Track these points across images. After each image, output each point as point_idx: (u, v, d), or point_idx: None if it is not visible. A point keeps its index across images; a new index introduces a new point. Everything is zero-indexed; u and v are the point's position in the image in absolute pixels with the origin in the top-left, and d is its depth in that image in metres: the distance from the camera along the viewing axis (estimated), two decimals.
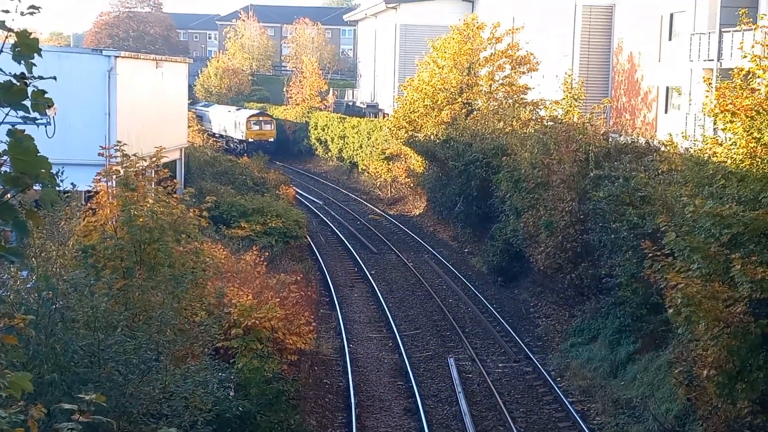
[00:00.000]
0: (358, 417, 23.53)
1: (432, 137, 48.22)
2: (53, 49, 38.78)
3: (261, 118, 79.86)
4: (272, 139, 78.20)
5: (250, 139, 76.53)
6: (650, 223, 23.71)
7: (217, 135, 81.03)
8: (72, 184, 17.92)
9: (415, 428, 23.16)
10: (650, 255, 19.16)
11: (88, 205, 20.49)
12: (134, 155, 20.27)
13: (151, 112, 37.08)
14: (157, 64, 39.06)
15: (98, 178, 20.57)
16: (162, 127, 37.90)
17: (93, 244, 17.57)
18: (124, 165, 19.82)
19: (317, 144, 78.17)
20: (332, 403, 24.97)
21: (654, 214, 23.26)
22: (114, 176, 19.86)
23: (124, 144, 20.86)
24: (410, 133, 52.25)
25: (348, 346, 29.32)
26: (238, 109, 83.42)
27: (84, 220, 18.84)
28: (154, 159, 21.93)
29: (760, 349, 17.19)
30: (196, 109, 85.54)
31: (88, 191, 22.91)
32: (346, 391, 25.63)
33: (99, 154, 22.38)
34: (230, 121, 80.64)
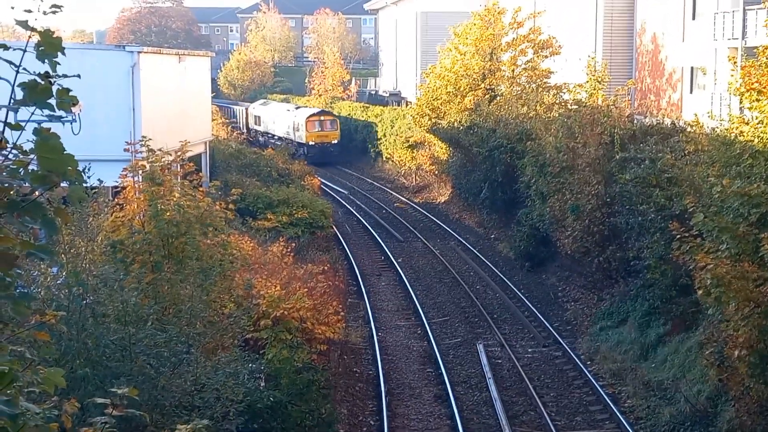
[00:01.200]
0: (388, 404, 23.59)
1: (455, 124, 48.13)
2: (76, 47, 39.01)
3: (322, 118, 71.12)
4: (335, 141, 70.07)
5: (310, 142, 68.79)
6: (677, 204, 23.57)
7: (275, 138, 74.75)
8: (99, 180, 18.02)
9: (445, 414, 23.19)
10: (678, 236, 19.06)
11: (116, 200, 20.62)
12: (159, 150, 20.36)
13: (175, 106, 37.21)
14: (180, 59, 39.17)
15: (125, 173, 20.68)
16: (186, 121, 38.02)
17: (121, 239, 17.69)
18: (150, 160, 19.91)
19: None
20: (362, 392, 25.04)
21: (681, 196, 23.12)
22: (140, 171, 19.95)
23: (149, 139, 20.94)
24: (433, 120, 52.16)
25: (377, 335, 29.37)
26: (297, 108, 75.15)
27: (112, 215, 18.95)
28: (179, 153, 22.01)
29: None
30: (251, 108, 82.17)
31: (115, 187, 23.06)
32: (375, 379, 25.70)
33: (125, 150, 22.50)
34: (288, 122, 72.66)
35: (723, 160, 20.60)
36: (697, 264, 18.11)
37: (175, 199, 18.48)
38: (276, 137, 75.20)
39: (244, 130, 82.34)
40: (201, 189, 20.20)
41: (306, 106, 78.05)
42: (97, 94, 30.25)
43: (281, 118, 74.75)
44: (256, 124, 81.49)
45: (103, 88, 31.28)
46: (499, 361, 26.97)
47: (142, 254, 17.49)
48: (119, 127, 31.26)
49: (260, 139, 79.67)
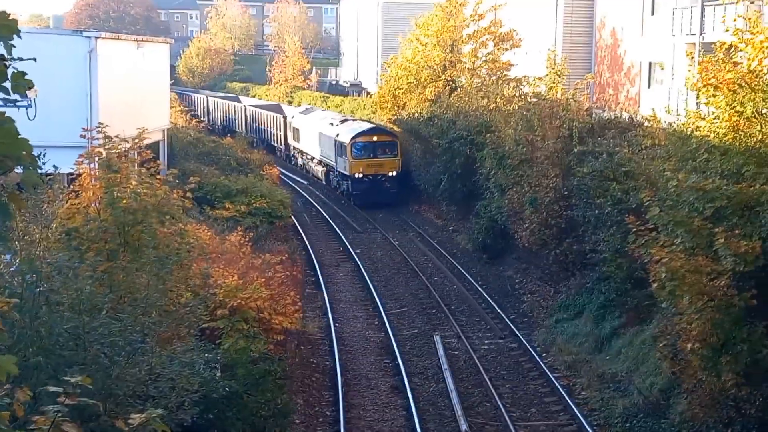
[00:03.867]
0: (345, 395, 23.60)
1: (416, 115, 48.21)
2: (33, 31, 38.43)
3: (375, 138, 49.05)
4: (394, 174, 48.77)
5: (356, 174, 48.61)
6: (634, 198, 23.77)
7: (313, 161, 57.72)
8: (54, 166, 17.77)
9: (401, 405, 23.24)
10: (634, 230, 19.23)
11: (71, 187, 20.37)
12: (116, 137, 20.15)
13: (133, 93, 36.84)
14: (138, 45, 38.79)
15: (81, 160, 20.43)
16: (144, 108, 37.66)
17: (76, 226, 17.49)
18: (107, 147, 19.70)
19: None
20: (319, 382, 25.03)
21: (638, 189, 23.32)
22: (96, 158, 19.74)
23: (106, 125, 20.72)
24: (394, 111, 52.19)
25: (334, 325, 29.36)
26: (343, 121, 53.68)
27: (67, 202, 18.73)
28: (136, 140, 21.80)
29: (744, 322, 17.29)
30: (291, 117, 62.92)
31: (71, 173, 22.77)
32: (332, 369, 25.70)
33: (81, 136, 22.22)
34: (329, 141, 52.18)
35: (679, 154, 20.79)
36: (652, 258, 18.28)
37: (131, 186, 18.29)
38: (314, 160, 57.62)
39: (282, 147, 65.44)
40: (158, 177, 20.02)
41: (354, 119, 56.86)
42: (54, 79, 29.82)
43: (322, 135, 54.23)
44: (295, 139, 61.71)
45: (59, 73, 30.88)
46: (456, 352, 27.08)
47: (98, 242, 17.31)
48: (75, 113, 30.88)
49: (300, 161, 62.16)
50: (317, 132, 55.00)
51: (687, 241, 17.92)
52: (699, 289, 17.25)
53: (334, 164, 51.67)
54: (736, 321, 17.25)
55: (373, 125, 52.04)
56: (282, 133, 64.94)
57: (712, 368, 17.58)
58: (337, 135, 50.33)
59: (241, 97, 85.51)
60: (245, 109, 74.05)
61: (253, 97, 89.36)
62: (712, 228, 17.60)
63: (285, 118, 64.72)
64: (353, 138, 48.59)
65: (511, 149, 33.36)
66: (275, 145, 66.60)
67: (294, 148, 62.61)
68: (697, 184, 17.94)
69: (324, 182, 55.53)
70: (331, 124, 53.11)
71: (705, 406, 18.57)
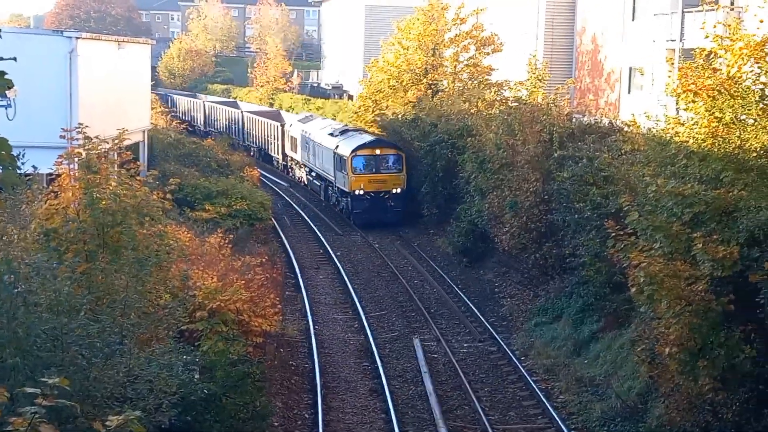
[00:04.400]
0: (323, 398, 23.59)
1: (399, 117, 48.27)
2: (13, 31, 38.26)
3: (378, 152, 44.78)
4: (398, 191, 44.42)
5: (356, 191, 44.20)
6: (613, 203, 23.88)
7: (312, 175, 53.45)
8: (33, 166, 17.75)
9: (380, 408, 23.25)
10: (613, 234, 19.32)
11: (50, 188, 20.28)
12: (96, 137, 20.07)
13: (113, 93, 36.75)
14: (119, 46, 38.68)
15: (60, 160, 20.33)
16: (124, 109, 37.57)
17: (55, 227, 17.40)
18: (87, 147, 19.60)
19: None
20: (298, 385, 25.00)
21: (617, 194, 23.43)
22: (76, 159, 19.64)
23: (86, 126, 20.63)
24: (376, 113, 52.21)
25: (314, 328, 29.34)
26: (343, 131, 48.64)
27: (46, 203, 18.64)
28: (116, 141, 21.71)
29: (721, 327, 17.40)
30: (289, 125, 58.79)
31: (50, 174, 22.69)
32: (311, 372, 25.68)
33: (60, 137, 22.08)
34: (328, 153, 47.78)
35: (658, 160, 20.91)
36: (631, 262, 18.37)
37: (111, 187, 18.22)
38: (312, 173, 53.58)
39: (279, 157, 62.60)
40: (138, 178, 19.95)
41: (357, 129, 50.49)
42: (34, 79, 29.73)
43: (320, 146, 49.87)
44: (292, 149, 57.86)
45: (39, 73, 30.79)
46: (435, 355, 27.11)
47: (77, 243, 17.23)
48: (56, 113, 30.80)
49: (297, 174, 58.41)
50: (315, 143, 50.71)
51: (665, 245, 18.02)
52: (677, 294, 17.35)
53: (333, 179, 47.25)
54: (713, 325, 17.36)
55: (376, 137, 47.47)
56: (279, 142, 61.14)
57: (689, 372, 17.67)
58: (337, 147, 46.00)
59: (239, 103, 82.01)
60: (242, 116, 70.64)
61: (238, 100, 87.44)
62: (690, 233, 17.71)
63: (282, 126, 60.87)
64: (354, 151, 44.23)
65: (492, 153, 33.44)
66: (273, 155, 63.59)
67: (291, 159, 58.66)
68: (676, 189, 18.04)
69: (323, 198, 51.12)
70: (331, 134, 48.49)
71: (682, 410, 18.66)
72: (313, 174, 52.67)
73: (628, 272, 19.03)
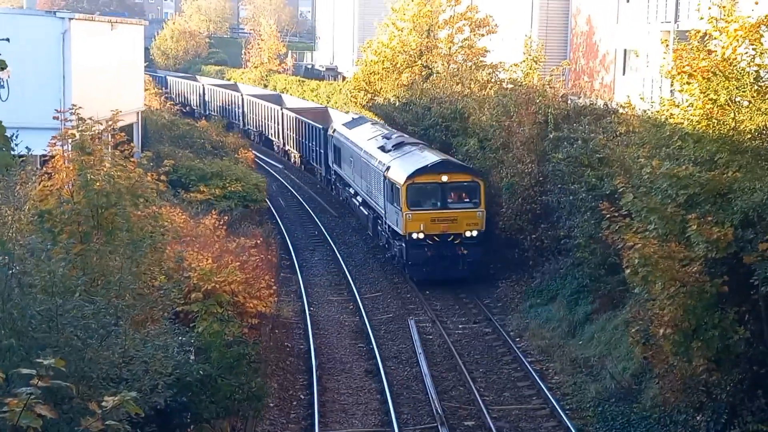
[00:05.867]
0: (319, 379, 23.64)
1: (392, 100, 48.14)
2: (6, 11, 38.13)
3: (445, 178, 32.21)
4: (475, 233, 32.05)
5: (413, 236, 31.81)
6: (608, 184, 23.89)
7: (357, 199, 40.21)
8: (27, 148, 17.66)
9: (376, 389, 23.31)
10: (608, 216, 19.34)
11: (44, 169, 20.23)
12: (90, 119, 20.00)
13: (107, 75, 36.61)
14: (113, 26, 38.51)
15: (54, 142, 20.28)
16: (118, 91, 37.46)
17: (49, 208, 17.36)
18: (80, 128, 19.55)
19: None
20: (293, 366, 25.05)
21: (612, 176, 23.44)
22: (70, 140, 19.59)
23: (80, 107, 20.57)
24: (370, 95, 52.09)
25: (309, 309, 29.38)
26: (398, 145, 36.03)
27: (40, 184, 18.59)
28: (110, 122, 21.66)
29: (715, 308, 17.43)
30: (334, 127, 46.49)
31: (44, 155, 22.62)
32: (307, 353, 25.72)
33: (54, 118, 22.06)
34: (377, 174, 35.43)
35: (653, 141, 20.91)
36: (626, 243, 18.39)
37: (105, 169, 18.19)
38: (357, 197, 40.16)
39: (321, 169, 50.06)
40: (132, 160, 19.91)
41: (416, 142, 37.13)
42: (27, 60, 29.62)
43: (367, 162, 37.37)
44: (336, 161, 45.10)
45: (33, 54, 30.65)
46: (430, 336, 27.17)
47: (71, 224, 17.20)
48: (49, 94, 30.70)
49: (342, 193, 45.03)
50: (361, 156, 38.06)
51: (660, 227, 18.03)
52: (671, 275, 17.37)
53: (383, 211, 34.30)
54: (707, 307, 17.39)
55: (443, 157, 33.59)
56: (321, 150, 49.00)
57: (683, 353, 17.72)
58: (388, 169, 33.44)
59: (284, 97, 69.61)
60: (282, 115, 58.62)
61: (240, 83, 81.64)
62: (684, 215, 17.72)
63: (325, 130, 48.03)
64: (411, 177, 31.64)
65: (490, 133, 33.40)
66: (314, 165, 51.91)
67: (335, 173, 45.75)
68: (671, 171, 18.06)
69: (371, 233, 38.03)
70: (381, 148, 35.95)
71: (676, 391, 18.74)
72: (359, 198, 39.32)
73: (622, 254, 19.04)
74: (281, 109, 60.22)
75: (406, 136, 38.50)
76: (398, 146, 35.46)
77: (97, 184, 17.48)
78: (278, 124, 59.77)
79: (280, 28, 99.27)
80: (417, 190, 31.75)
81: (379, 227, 35.89)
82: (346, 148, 41.95)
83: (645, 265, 17.54)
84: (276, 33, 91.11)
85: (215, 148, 47.96)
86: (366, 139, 39.08)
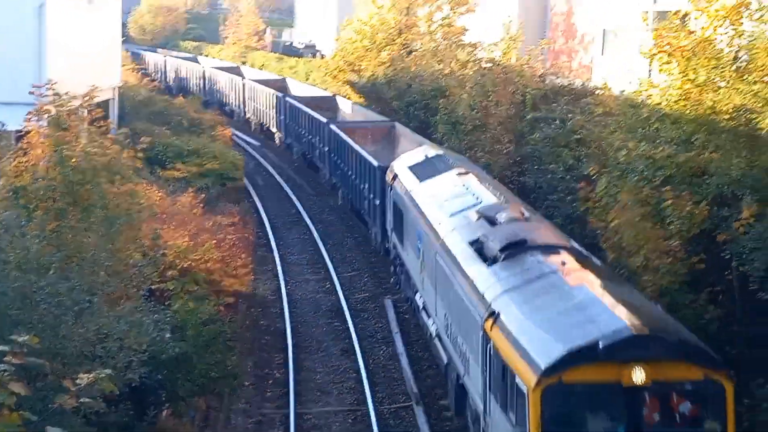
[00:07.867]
0: (295, 358, 23.64)
1: (377, 77, 47.98)
2: None
3: (639, 374, 12.24)
4: None
5: None
6: (585, 165, 23.95)
7: (432, 327, 21.38)
8: (2, 123, 17.54)
9: (351, 368, 23.33)
10: (586, 199, 19.39)
11: (19, 145, 20.06)
12: (66, 94, 19.84)
13: (84, 49, 36.25)
14: (90, 0, 38.12)
15: (29, 117, 20.11)
16: (95, 66, 37.09)
17: (24, 185, 17.26)
18: (56, 104, 19.40)
19: None
20: (269, 344, 25.04)
21: (590, 156, 23.49)
22: (45, 116, 19.43)
23: (56, 82, 20.39)
24: (349, 73, 51.91)
25: (285, 288, 29.33)
26: (516, 245, 16.58)
27: (15, 160, 18.46)
28: (86, 98, 21.50)
29: (688, 288, 17.57)
30: (389, 172, 28.25)
31: (19, 131, 22.41)
32: (283, 332, 25.71)
33: (30, 93, 21.85)
34: (466, 313, 16.65)
35: (629, 123, 20.95)
36: (609, 225, 18.47)
37: (81, 145, 18.07)
38: (433, 325, 21.33)
39: (378, 232, 31.46)
40: (109, 136, 19.79)
41: (556, 248, 16.79)
42: (2, 34, 29.32)
43: (451, 277, 18.32)
44: (397, 233, 26.65)
45: (8, 28, 30.34)
46: (407, 316, 27.20)
47: (46, 201, 17.10)
48: (25, 69, 30.35)
49: (407, 292, 26.27)
50: (437, 253, 20.20)
51: (636, 208, 18.12)
52: (655, 246, 17.48)
53: (480, 404, 15.82)
54: (682, 284, 17.54)
55: (634, 319, 13.13)
56: (375, 203, 31.22)
57: None
58: (494, 317, 14.84)
59: (339, 99, 51.52)
60: (330, 132, 40.94)
61: (246, 65, 73.11)
62: (660, 196, 17.82)
63: (379, 170, 30.24)
64: (555, 369, 12.63)
65: (466, 114, 33.36)
66: (368, 219, 33.79)
67: (398, 256, 27.46)
68: (647, 152, 18.12)
69: (453, 411, 19.52)
70: (480, 250, 17.69)
71: None
72: (434, 328, 21.29)
73: (601, 236, 19.12)
74: (327, 125, 41.96)
75: (524, 212, 19.84)
76: (516, 250, 16.78)
77: (73, 160, 17.39)
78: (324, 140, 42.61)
79: (258, 4, 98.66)
80: (570, 398, 12.95)
81: (467, 412, 17.93)
82: (410, 217, 24.28)
83: (629, 230, 17.60)
84: (255, 9, 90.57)
85: (192, 125, 47.66)
86: (448, 214, 20.84)
